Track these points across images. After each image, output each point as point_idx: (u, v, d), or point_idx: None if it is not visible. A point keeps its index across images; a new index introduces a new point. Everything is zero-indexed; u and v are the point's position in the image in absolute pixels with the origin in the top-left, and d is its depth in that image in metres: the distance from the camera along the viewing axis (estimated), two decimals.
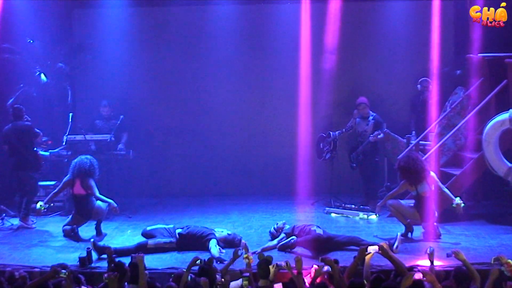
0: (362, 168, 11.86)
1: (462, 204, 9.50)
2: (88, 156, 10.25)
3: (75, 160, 10.18)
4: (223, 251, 8.94)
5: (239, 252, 7.72)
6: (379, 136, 11.45)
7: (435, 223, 9.66)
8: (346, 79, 13.00)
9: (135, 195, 12.65)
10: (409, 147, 11.29)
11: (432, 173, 9.74)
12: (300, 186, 12.21)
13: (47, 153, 11.61)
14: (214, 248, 8.83)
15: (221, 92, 13.10)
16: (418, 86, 12.14)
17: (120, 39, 12.79)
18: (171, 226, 9.66)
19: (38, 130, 11.02)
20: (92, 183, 10.03)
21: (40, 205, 10.04)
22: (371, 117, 11.72)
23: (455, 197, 9.60)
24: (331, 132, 12.07)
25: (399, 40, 12.68)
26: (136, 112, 12.91)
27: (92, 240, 8.91)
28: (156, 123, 13.30)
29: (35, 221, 10.84)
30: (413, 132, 11.92)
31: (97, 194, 10.04)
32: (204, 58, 12.90)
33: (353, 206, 11.50)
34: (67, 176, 10.21)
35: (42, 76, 12.23)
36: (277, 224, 9.76)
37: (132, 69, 12.91)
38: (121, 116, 11.83)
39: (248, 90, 13.26)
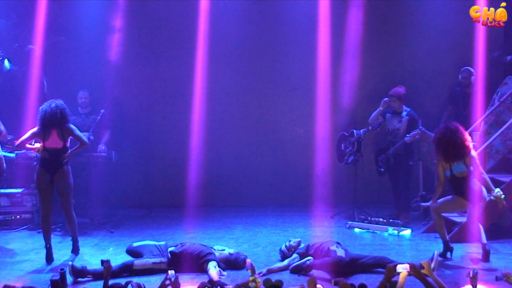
0: (392, 174, 11.89)
1: (503, 196, 9.41)
2: (57, 101, 10.07)
3: (42, 108, 9.93)
4: (224, 273, 8.94)
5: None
6: (417, 137, 11.49)
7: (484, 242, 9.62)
8: (373, 68, 13.04)
9: (119, 206, 12.70)
10: None
11: (473, 152, 9.63)
12: (317, 196, 12.22)
13: (12, 155, 11.65)
14: (213, 270, 8.84)
15: (225, 85, 13.18)
16: (459, 76, 12.19)
17: (100, 18, 12.84)
18: (162, 243, 9.63)
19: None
20: (73, 126, 9.99)
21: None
22: (404, 113, 11.73)
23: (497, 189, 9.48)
24: (354, 131, 12.04)
25: (438, 20, 12.73)
26: (121, 107, 12.96)
27: (70, 262, 8.94)
28: (145, 120, 13.37)
29: None
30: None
31: (85, 138, 10.08)
32: (207, 49, 12.82)
33: (381, 219, 11.47)
34: (35, 128, 10.00)
35: (6, 62, 12.24)
36: (290, 241, 9.71)
37: (117, 55, 12.86)
38: (102, 111, 11.77)
39: (256, 83, 13.36)
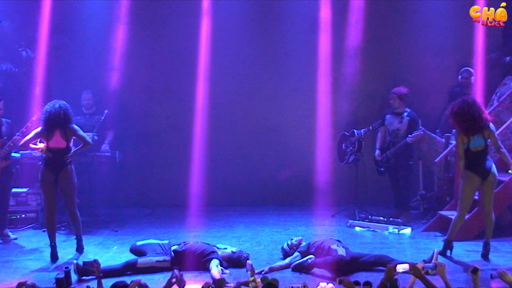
0: (392, 173, 11.91)
1: None
2: (60, 102, 10.13)
3: (46, 109, 9.95)
4: (227, 271, 9.00)
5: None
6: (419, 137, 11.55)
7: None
8: (373, 68, 13.09)
9: (123, 205, 12.75)
10: (448, 148, 11.32)
11: (492, 126, 9.52)
12: (318, 195, 12.24)
13: (18, 155, 11.71)
14: (215, 268, 8.88)
15: (227, 85, 13.24)
16: (459, 76, 12.21)
17: (104, 19, 12.88)
18: (166, 241, 9.69)
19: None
20: (76, 127, 10.05)
21: None
22: (405, 113, 11.77)
23: None
24: (355, 130, 12.11)
25: (438, 21, 12.79)
26: (125, 108, 13.00)
27: (75, 261, 8.99)
28: (149, 120, 13.43)
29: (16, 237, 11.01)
30: (454, 130, 11.94)
31: (88, 138, 10.19)
32: (209, 50, 12.88)
33: (381, 218, 11.51)
34: (39, 128, 10.06)
35: (3, 64, 12.27)
36: (291, 239, 9.73)
37: (120, 57, 12.92)
38: (106, 111, 11.80)
39: (257, 83, 13.41)
